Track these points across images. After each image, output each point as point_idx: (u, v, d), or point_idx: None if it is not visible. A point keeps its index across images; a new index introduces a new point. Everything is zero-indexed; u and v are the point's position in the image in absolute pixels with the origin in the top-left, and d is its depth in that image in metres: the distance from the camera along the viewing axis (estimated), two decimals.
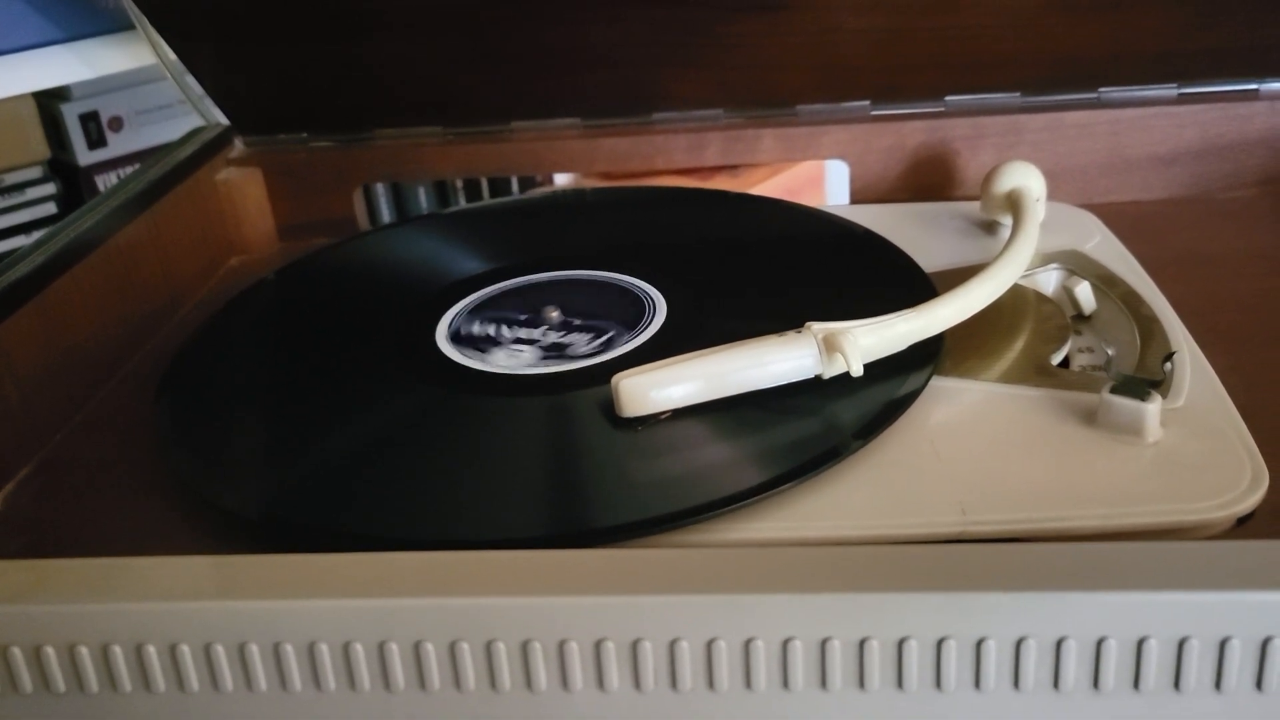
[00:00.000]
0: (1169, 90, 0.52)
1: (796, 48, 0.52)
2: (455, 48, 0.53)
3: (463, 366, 0.38)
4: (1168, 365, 0.35)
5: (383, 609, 0.26)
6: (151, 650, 0.26)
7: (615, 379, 0.34)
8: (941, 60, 0.52)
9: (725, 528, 0.30)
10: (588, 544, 0.30)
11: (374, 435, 0.36)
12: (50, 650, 0.27)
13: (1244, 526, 0.30)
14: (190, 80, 0.56)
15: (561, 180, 0.72)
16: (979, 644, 0.25)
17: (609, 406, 0.34)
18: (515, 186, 0.79)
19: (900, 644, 0.25)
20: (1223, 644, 0.24)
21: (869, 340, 0.35)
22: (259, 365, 0.41)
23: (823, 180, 0.78)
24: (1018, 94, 0.53)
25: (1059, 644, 0.24)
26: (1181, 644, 0.24)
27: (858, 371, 0.34)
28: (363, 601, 0.26)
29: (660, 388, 0.34)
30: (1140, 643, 0.24)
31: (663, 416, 0.34)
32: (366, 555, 0.27)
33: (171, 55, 0.55)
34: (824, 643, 0.25)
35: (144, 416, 0.39)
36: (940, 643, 0.25)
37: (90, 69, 0.60)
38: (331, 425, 0.37)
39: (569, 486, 0.32)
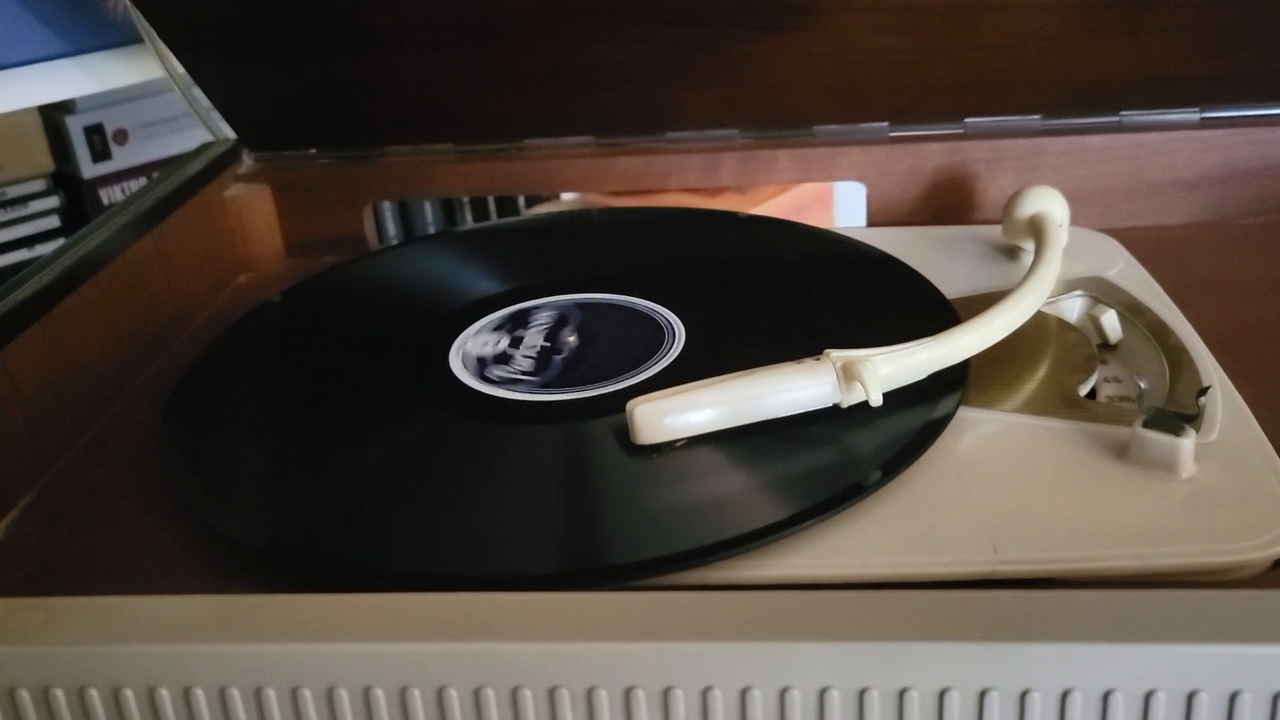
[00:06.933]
0: (1191, 115, 0.52)
1: (813, 67, 0.52)
2: (467, 64, 0.53)
3: (476, 392, 0.38)
4: (1202, 400, 0.34)
5: (405, 653, 0.25)
6: (164, 694, 0.26)
7: (630, 405, 0.33)
8: (961, 82, 0.51)
9: (747, 564, 0.29)
10: (605, 580, 0.29)
11: (382, 463, 0.35)
12: (59, 693, 0.26)
13: None
14: (198, 94, 0.55)
15: (567, 198, 0.71)
16: (1023, 696, 0.24)
17: (624, 434, 0.34)
18: (522, 204, 0.78)
19: (942, 695, 0.24)
20: (1276, 699, 0.23)
21: (889, 369, 0.34)
22: (267, 388, 0.41)
23: (830, 199, 0.77)
24: (1038, 117, 0.53)
25: (1106, 697, 0.24)
26: (1233, 699, 0.23)
27: (876, 401, 0.33)
28: (384, 645, 0.25)
29: (675, 414, 0.33)
30: (1191, 696, 0.23)
31: (678, 444, 0.33)
32: (387, 596, 0.26)
33: (180, 69, 0.54)
34: (862, 693, 0.24)
35: (150, 439, 0.39)
36: (983, 694, 0.24)
37: (96, 82, 0.60)
38: (340, 452, 0.36)
39: (584, 517, 0.32)
